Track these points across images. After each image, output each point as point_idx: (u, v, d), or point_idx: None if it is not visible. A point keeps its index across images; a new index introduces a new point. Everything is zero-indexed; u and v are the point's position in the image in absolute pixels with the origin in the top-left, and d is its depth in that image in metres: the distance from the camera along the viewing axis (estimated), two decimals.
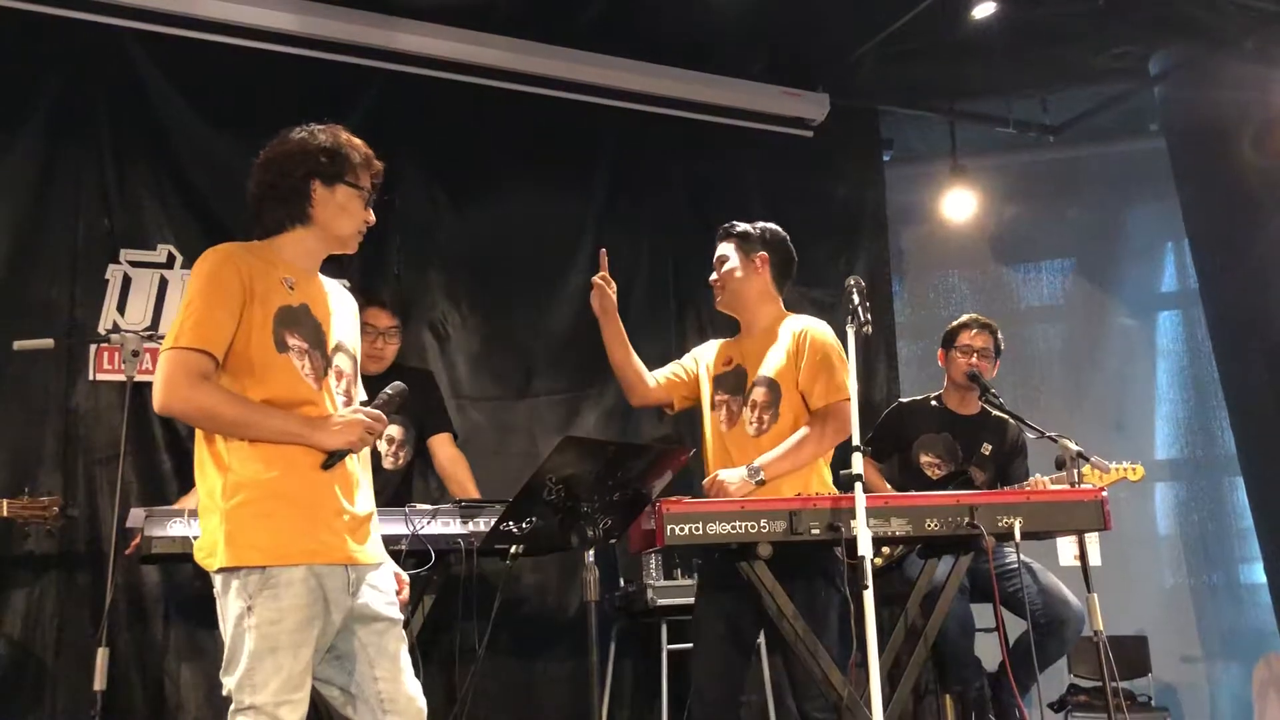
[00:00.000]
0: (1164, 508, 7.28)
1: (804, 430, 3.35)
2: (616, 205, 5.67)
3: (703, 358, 3.69)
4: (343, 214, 2.53)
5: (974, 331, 4.47)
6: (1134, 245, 7.50)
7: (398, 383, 2.60)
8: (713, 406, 3.56)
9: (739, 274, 3.56)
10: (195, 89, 4.81)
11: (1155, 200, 7.11)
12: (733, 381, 3.54)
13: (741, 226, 3.64)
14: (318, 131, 2.55)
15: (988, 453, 4.42)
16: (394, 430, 4.12)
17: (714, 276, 3.64)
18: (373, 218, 2.60)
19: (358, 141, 2.59)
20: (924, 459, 4.43)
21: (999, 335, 4.52)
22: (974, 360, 4.39)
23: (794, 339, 3.45)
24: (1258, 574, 6.57)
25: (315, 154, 2.51)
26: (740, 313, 3.60)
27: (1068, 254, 7.61)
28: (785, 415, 3.40)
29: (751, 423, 3.41)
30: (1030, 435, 4.01)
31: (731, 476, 3.27)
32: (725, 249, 3.62)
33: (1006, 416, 4.17)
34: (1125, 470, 4.27)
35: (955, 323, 4.56)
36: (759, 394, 3.43)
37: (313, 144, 2.52)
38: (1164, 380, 7.42)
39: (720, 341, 3.73)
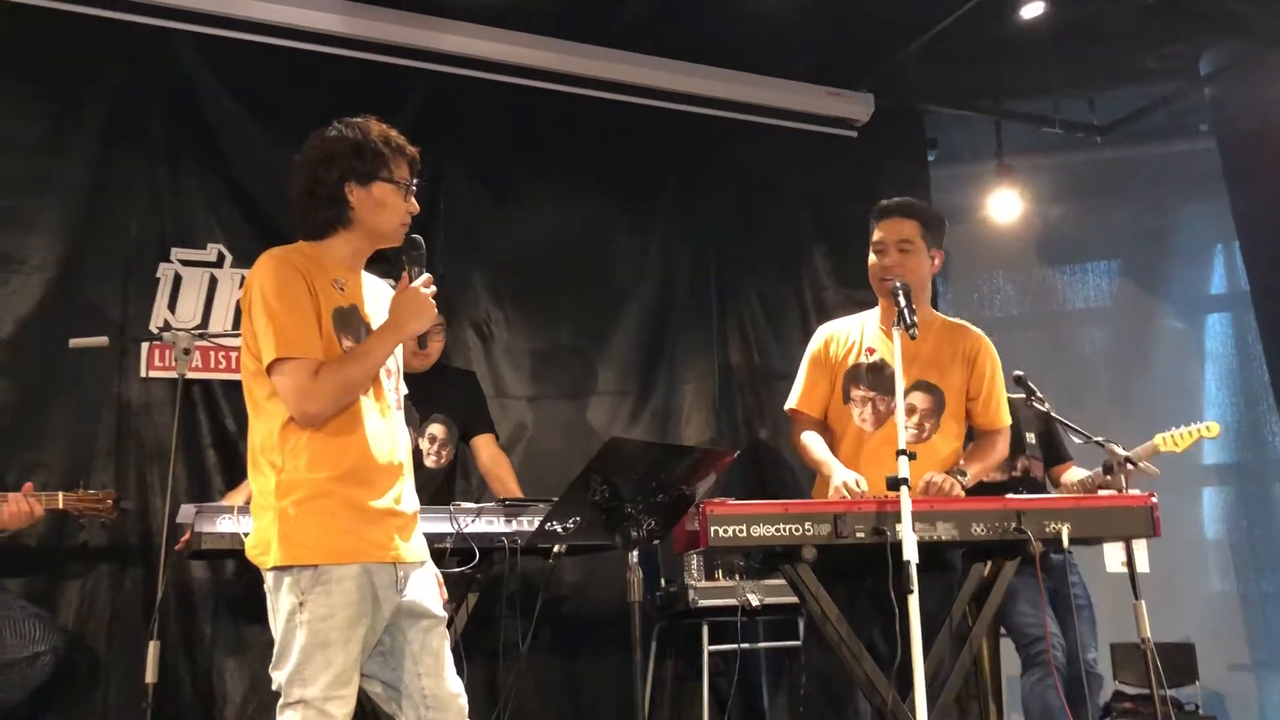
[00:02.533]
0: (1212, 513, 7.18)
1: (987, 444, 3.35)
2: (659, 205, 5.67)
3: (830, 345, 3.49)
4: (382, 210, 2.54)
5: None
6: (1183, 247, 7.40)
7: (413, 237, 2.59)
8: (848, 400, 3.40)
9: (921, 269, 3.34)
10: (245, 89, 4.87)
11: (1205, 201, 7.01)
12: (876, 377, 3.37)
13: (927, 207, 3.43)
14: (345, 130, 2.55)
15: (1034, 440, 4.39)
16: (436, 429, 4.14)
17: (888, 262, 3.35)
18: (415, 206, 2.60)
19: (390, 131, 2.58)
20: None
21: None
22: None
23: (968, 349, 3.37)
24: None
25: (346, 155, 2.51)
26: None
27: (1115, 255, 7.52)
28: (947, 426, 3.33)
29: (909, 427, 3.23)
30: (1077, 440, 3.97)
31: (942, 478, 3.14)
32: (909, 231, 3.36)
33: (1040, 408, 4.12)
34: (1200, 430, 4.21)
35: None
36: (920, 399, 3.30)
37: (341, 146, 2.52)
38: (1212, 384, 7.32)
39: (844, 323, 3.55)
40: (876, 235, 3.42)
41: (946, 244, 3.49)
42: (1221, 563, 7.08)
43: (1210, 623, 6.73)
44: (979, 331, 3.46)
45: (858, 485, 3.15)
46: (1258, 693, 6.80)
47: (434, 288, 2.53)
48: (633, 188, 5.64)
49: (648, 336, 5.48)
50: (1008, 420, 3.41)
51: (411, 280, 2.53)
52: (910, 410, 3.30)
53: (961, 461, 3.33)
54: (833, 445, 3.44)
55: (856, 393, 3.41)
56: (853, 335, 3.50)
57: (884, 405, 3.34)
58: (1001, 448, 3.41)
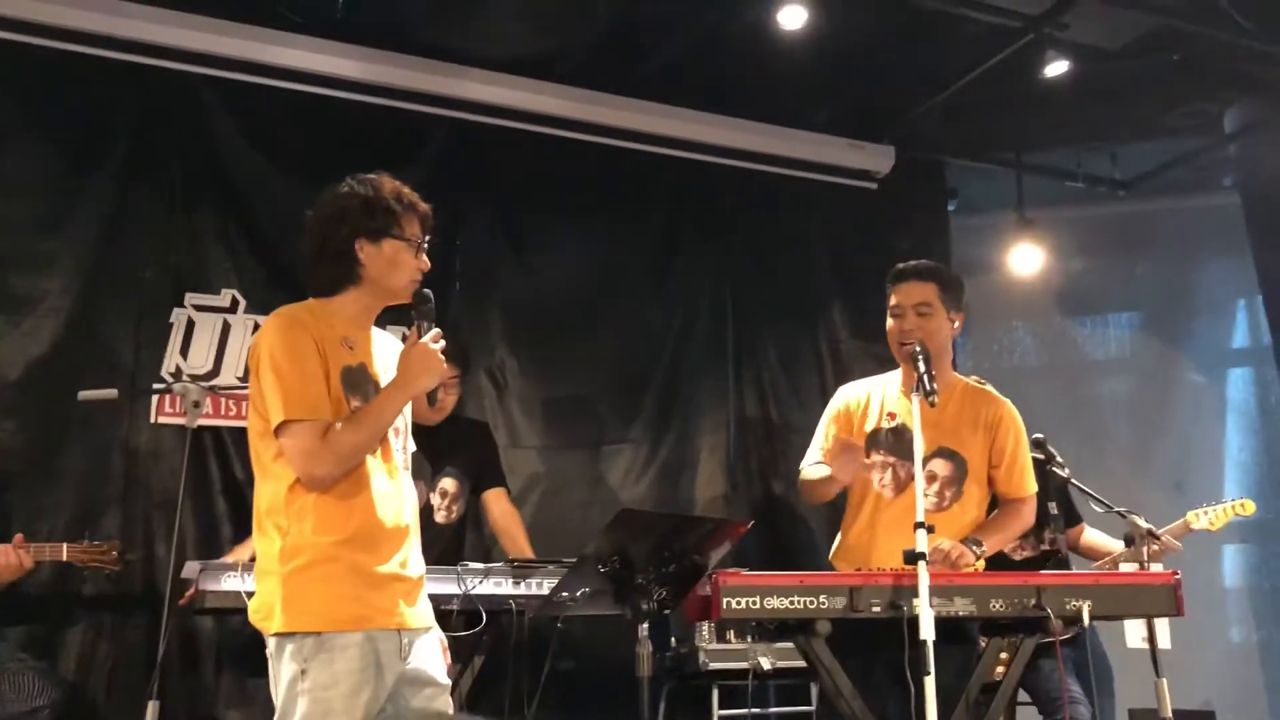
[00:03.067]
0: (1233, 572, 7.08)
1: (1010, 513, 3.29)
2: (677, 254, 5.65)
3: (849, 409, 3.45)
4: (393, 268, 2.51)
5: None
6: (1204, 301, 7.34)
7: (424, 291, 2.54)
8: (868, 467, 3.34)
9: (940, 332, 3.28)
10: (263, 134, 4.88)
11: (1227, 256, 6.96)
12: (895, 442, 3.31)
13: (947, 270, 3.39)
14: (356, 187, 2.53)
15: (1055, 510, 4.31)
16: (448, 484, 4.10)
17: (907, 325, 3.29)
18: (426, 264, 2.56)
19: (403, 188, 2.55)
20: None
21: None
22: None
23: (990, 416, 3.31)
24: None
25: (356, 213, 2.49)
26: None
27: (1136, 308, 7.47)
28: (969, 494, 3.27)
29: (929, 495, 3.17)
30: (1098, 509, 3.89)
31: (949, 546, 3.10)
32: (927, 294, 3.30)
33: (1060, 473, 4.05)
34: (1235, 508, 4.15)
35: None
36: (941, 466, 3.24)
37: (352, 202, 2.50)
38: (1233, 440, 7.23)
39: (862, 385, 3.50)
40: (894, 299, 3.37)
41: (966, 295, 3.43)
42: (1242, 623, 6.97)
43: (1230, 686, 6.60)
44: (1002, 398, 3.40)
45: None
46: None
47: (443, 343, 2.49)
48: (650, 237, 5.63)
49: (663, 387, 5.44)
50: (1033, 489, 3.34)
51: (421, 335, 2.49)
52: (931, 478, 3.23)
53: (978, 532, 3.25)
54: (850, 510, 3.39)
55: (877, 457, 3.35)
56: (874, 398, 3.45)
57: (904, 471, 3.27)
58: (1026, 517, 3.34)
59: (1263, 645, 6.90)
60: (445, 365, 2.49)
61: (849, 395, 3.53)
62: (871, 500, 3.33)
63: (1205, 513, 4.13)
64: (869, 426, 3.40)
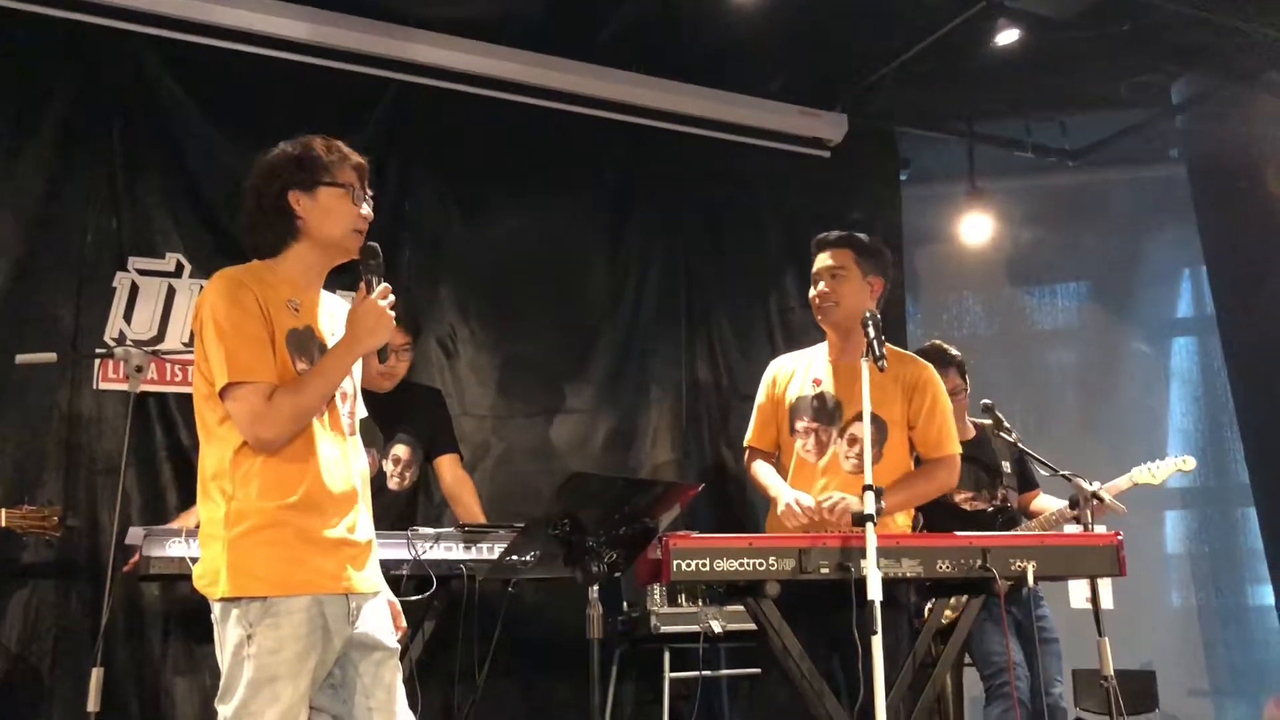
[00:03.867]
0: (1174, 536, 7.24)
1: (922, 472, 3.32)
2: (630, 221, 5.63)
3: (776, 380, 3.53)
4: (329, 216, 2.46)
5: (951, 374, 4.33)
6: (1151, 271, 7.46)
7: (370, 245, 2.49)
8: (793, 432, 3.41)
9: (854, 295, 3.36)
10: (208, 97, 4.77)
11: (1173, 227, 7.08)
12: (821, 408, 3.39)
13: (863, 237, 3.45)
14: (286, 146, 2.49)
15: (1009, 469, 4.38)
16: (401, 451, 4.06)
17: (822, 289, 3.40)
18: (368, 212, 2.51)
19: (334, 142, 2.51)
20: (957, 495, 4.26)
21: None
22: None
23: (908, 378, 3.36)
24: (1268, 606, 6.51)
25: (286, 167, 2.45)
26: (844, 335, 3.41)
27: (1084, 278, 7.57)
28: (888, 456, 3.31)
29: (849, 458, 3.27)
30: (1044, 472, 3.95)
31: (832, 501, 3.16)
32: (842, 259, 3.40)
33: (1008, 438, 4.13)
34: (1177, 464, 4.26)
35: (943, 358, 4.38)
36: (861, 430, 3.25)
37: (282, 159, 2.47)
38: (1177, 407, 7.37)
39: (792, 357, 3.58)
40: (814, 267, 3.47)
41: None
42: (1183, 586, 7.13)
43: (1171, 647, 6.77)
44: (923, 361, 3.46)
45: (799, 504, 3.20)
46: (1215, 718, 6.83)
47: (392, 298, 2.44)
48: (603, 204, 5.60)
49: (615, 354, 5.43)
50: (953, 449, 3.36)
51: (369, 292, 2.44)
52: (852, 441, 3.30)
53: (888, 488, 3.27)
54: (782, 476, 3.46)
55: (800, 424, 3.41)
56: (800, 368, 3.52)
57: (827, 436, 3.35)
58: (941, 477, 3.35)
59: (1201, 608, 7.06)
60: (395, 322, 2.44)
61: (778, 367, 3.61)
62: (795, 466, 3.39)
63: (1149, 469, 4.22)
64: (793, 395, 3.47)
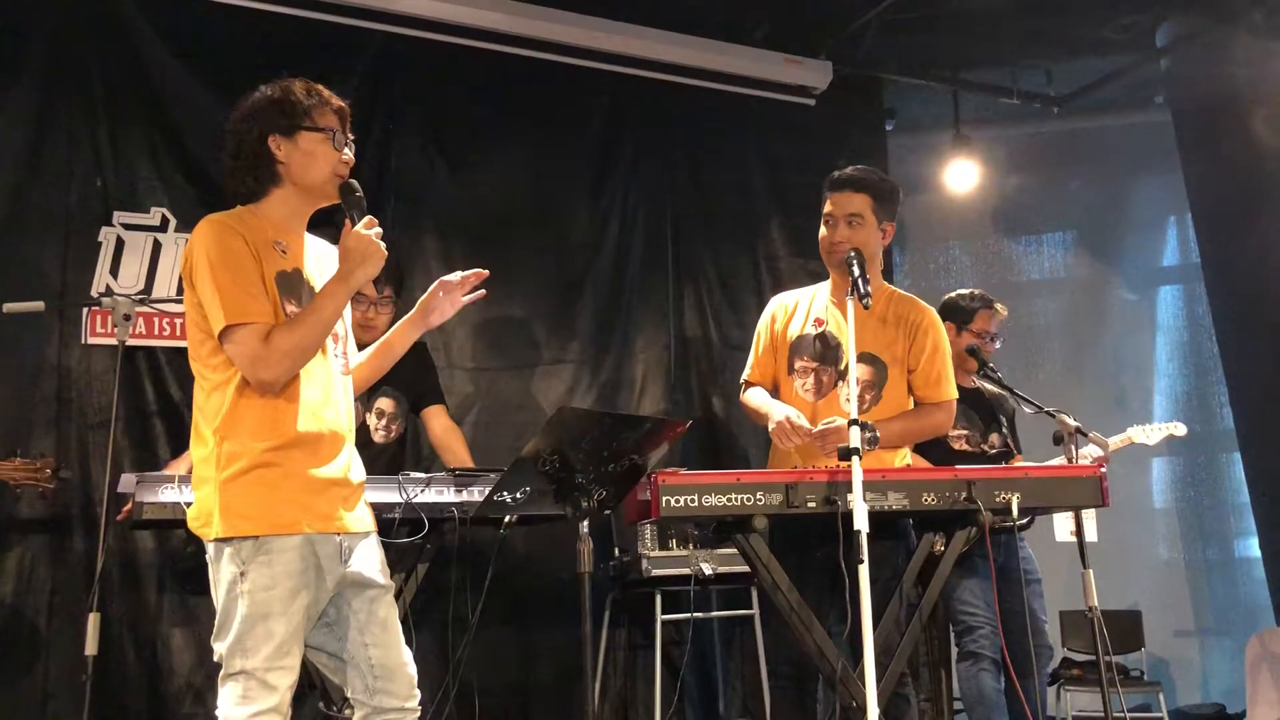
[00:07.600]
0: (1160, 482, 7.29)
1: (918, 412, 3.33)
2: (614, 171, 5.60)
3: (776, 317, 3.50)
4: (311, 160, 2.46)
5: (992, 315, 4.37)
6: (1136, 218, 7.47)
7: (349, 181, 2.49)
8: (791, 371, 3.40)
9: (870, 243, 3.30)
10: (191, 49, 4.73)
11: (1159, 174, 7.08)
12: (822, 348, 3.37)
13: (880, 178, 3.38)
14: (265, 89, 2.49)
15: (1005, 421, 4.41)
16: (385, 404, 4.06)
17: (838, 235, 3.33)
18: (349, 156, 2.50)
19: (314, 85, 2.50)
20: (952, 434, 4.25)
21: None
22: (986, 343, 4.31)
23: (911, 320, 3.35)
24: (1252, 549, 6.59)
25: (265, 111, 2.45)
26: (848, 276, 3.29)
27: (1070, 226, 7.58)
28: (887, 398, 3.31)
29: (849, 399, 3.20)
30: (1028, 410, 3.98)
31: (824, 426, 3.13)
32: (860, 205, 3.32)
33: (1002, 391, 4.16)
34: (1169, 427, 4.47)
35: (972, 302, 4.41)
36: (862, 371, 3.26)
37: (262, 102, 2.46)
38: (1163, 355, 7.41)
39: (794, 294, 3.55)
40: (827, 207, 3.40)
41: (902, 214, 3.47)
42: (1169, 532, 7.20)
43: (1157, 590, 6.85)
44: (926, 305, 3.45)
45: (791, 421, 3.18)
46: (1201, 658, 6.93)
47: (378, 229, 2.44)
48: (587, 154, 5.57)
49: (602, 305, 5.43)
50: (950, 395, 3.38)
51: (354, 226, 2.44)
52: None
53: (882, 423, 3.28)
54: None
55: (800, 363, 3.40)
56: (801, 306, 3.50)
57: (827, 376, 3.34)
58: (936, 419, 3.37)
59: (1186, 548, 7.14)
60: (384, 251, 2.44)
61: (779, 303, 3.59)
62: (796, 406, 3.36)
63: (1144, 430, 4.43)
64: (794, 333, 3.45)
